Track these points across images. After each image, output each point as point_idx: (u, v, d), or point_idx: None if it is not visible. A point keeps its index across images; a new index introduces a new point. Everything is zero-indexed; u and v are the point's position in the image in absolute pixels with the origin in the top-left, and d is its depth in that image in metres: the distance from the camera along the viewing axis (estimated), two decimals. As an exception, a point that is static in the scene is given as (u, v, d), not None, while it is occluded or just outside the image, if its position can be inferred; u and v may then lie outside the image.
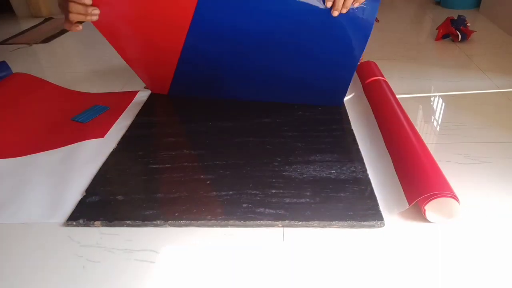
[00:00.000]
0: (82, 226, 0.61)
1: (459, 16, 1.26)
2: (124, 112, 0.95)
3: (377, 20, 1.10)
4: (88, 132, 0.86)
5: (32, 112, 0.94)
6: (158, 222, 0.60)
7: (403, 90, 0.94)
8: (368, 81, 0.92)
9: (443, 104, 0.90)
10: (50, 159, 0.78)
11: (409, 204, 0.55)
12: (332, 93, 0.66)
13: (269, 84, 0.66)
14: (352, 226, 0.57)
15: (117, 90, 1.07)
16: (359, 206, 0.59)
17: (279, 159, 0.72)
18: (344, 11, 0.63)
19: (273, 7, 0.63)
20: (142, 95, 1.03)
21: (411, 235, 0.55)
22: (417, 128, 0.73)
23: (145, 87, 1.09)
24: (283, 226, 0.58)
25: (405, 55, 1.19)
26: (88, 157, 0.78)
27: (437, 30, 1.28)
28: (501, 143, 0.73)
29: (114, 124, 0.89)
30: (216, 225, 0.59)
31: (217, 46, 0.65)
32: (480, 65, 1.07)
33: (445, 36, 1.28)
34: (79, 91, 1.08)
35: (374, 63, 1.01)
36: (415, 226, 0.56)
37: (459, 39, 1.23)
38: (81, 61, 1.41)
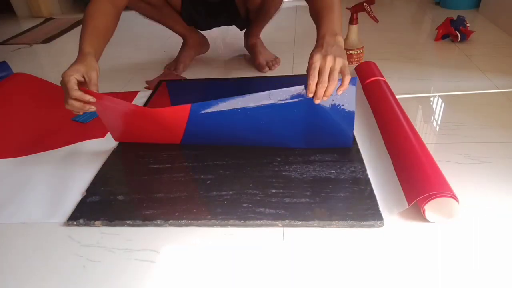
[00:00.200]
0: (82, 226, 0.61)
1: (458, 16, 1.26)
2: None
3: (376, 21, 1.10)
4: (89, 132, 0.87)
5: (33, 112, 0.94)
6: (159, 222, 0.60)
7: (403, 90, 0.94)
8: (368, 81, 0.92)
9: (443, 104, 0.90)
10: (51, 159, 0.78)
11: (409, 204, 0.56)
12: (337, 141, 0.71)
13: (273, 140, 0.72)
14: (351, 226, 0.57)
15: (117, 91, 1.07)
16: (358, 206, 0.59)
17: (279, 159, 0.72)
18: (325, 99, 0.62)
19: (257, 113, 0.68)
20: (143, 95, 1.03)
21: (411, 235, 0.55)
22: (417, 128, 0.73)
23: (145, 87, 1.09)
24: (283, 226, 0.58)
25: (404, 55, 1.19)
26: (88, 157, 0.78)
27: (437, 31, 1.29)
28: (501, 143, 0.73)
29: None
30: (216, 225, 0.59)
31: (214, 133, 0.72)
32: (480, 65, 1.07)
33: (444, 37, 1.28)
34: (80, 91, 1.08)
35: (374, 63, 1.01)
36: (415, 226, 0.56)
37: (459, 39, 1.23)
38: (82, 62, 1.41)
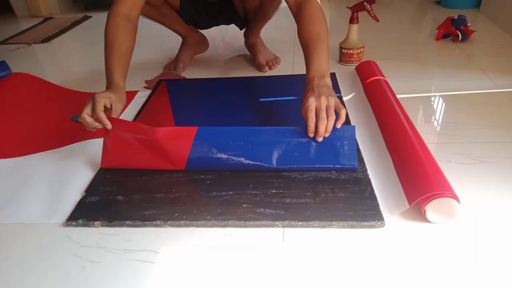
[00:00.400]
0: (81, 226, 0.61)
1: (459, 16, 1.26)
2: (123, 112, 0.94)
3: (377, 20, 1.09)
4: (88, 132, 0.86)
5: (32, 112, 0.93)
6: (158, 222, 0.59)
7: (404, 90, 0.94)
8: (368, 81, 0.92)
9: (444, 104, 0.90)
10: (50, 159, 0.78)
11: (410, 204, 0.55)
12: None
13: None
14: (352, 226, 0.56)
15: (117, 90, 1.07)
16: (359, 206, 0.59)
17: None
18: (327, 135, 0.65)
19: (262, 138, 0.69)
20: (142, 95, 1.03)
21: (412, 235, 0.55)
22: (418, 128, 0.73)
23: (145, 87, 1.09)
24: (283, 226, 0.58)
25: (405, 55, 1.19)
26: (88, 157, 0.78)
27: (438, 30, 1.28)
28: (502, 143, 0.73)
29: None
30: (216, 225, 0.59)
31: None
32: (481, 65, 1.07)
33: (445, 36, 1.28)
34: (79, 91, 1.08)
35: (375, 63, 1.01)
36: (416, 226, 0.56)
37: (460, 39, 1.23)
38: (81, 61, 1.41)
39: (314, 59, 0.72)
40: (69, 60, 1.46)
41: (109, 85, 0.73)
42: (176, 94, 1.02)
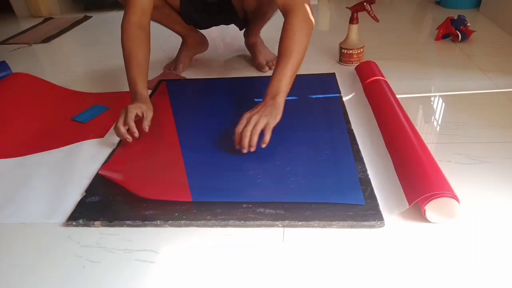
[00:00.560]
0: (82, 226, 0.61)
1: (459, 16, 1.26)
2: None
3: (377, 20, 1.09)
4: (88, 132, 0.86)
5: (32, 112, 0.94)
6: (158, 222, 0.60)
7: (403, 90, 0.94)
8: (368, 81, 0.92)
9: (443, 104, 0.90)
10: (50, 159, 0.78)
11: (409, 204, 0.55)
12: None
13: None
14: (352, 226, 0.57)
15: (117, 90, 1.07)
16: (359, 206, 0.59)
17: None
18: (252, 149, 0.70)
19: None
20: (142, 95, 1.03)
21: (411, 235, 0.55)
22: (417, 128, 0.73)
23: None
24: (283, 226, 0.58)
25: (405, 55, 1.19)
26: (88, 157, 0.78)
27: (437, 30, 1.28)
28: (501, 143, 0.73)
29: (114, 124, 0.89)
30: (216, 225, 0.59)
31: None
32: (480, 65, 1.07)
33: (445, 36, 1.28)
34: (79, 91, 1.08)
35: (374, 63, 1.01)
36: (415, 226, 0.56)
37: (459, 39, 1.23)
38: (81, 61, 1.41)
39: (276, 77, 0.76)
40: (69, 60, 1.46)
41: (136, 96, 0.81)
42: (176, 94, 1.02)
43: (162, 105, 0.97)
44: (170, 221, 0.59)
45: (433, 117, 0.85)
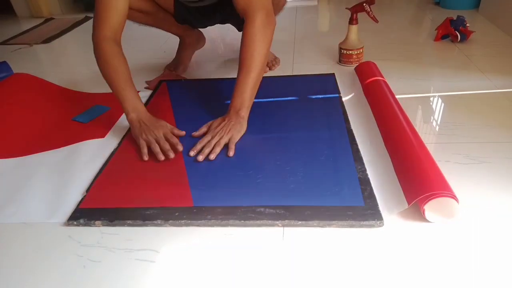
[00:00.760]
0: (82, 225, 0.61)
1: (458, 16, 1.26)
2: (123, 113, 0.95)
3: (376, 21, 1.10)
4: (89, 132, 0.87)
5: (33, 112, 0.94)
6: (159, 221, 0.60)
7: (403, 90, 0.95)
8: (367, 81, 0.92)
9: (442, 104, 0.90)
10: (51, 159, 0.78)
11: (409, 203, 0.56)
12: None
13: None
14: (351, 226, 0.57)
15: (117, 91, 1.07)
16: (358, 206, 0.59)
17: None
18: (211, 157, 0.72)
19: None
20: (143, 96, 1.03)
21: (411, 235, 0.55)
22: (417, 128, 0.73)
23: (145, 88, 1.09)
24: (283, 225, 0.58)
25: (404, 56, 1.19)
26: (88, 157, 0.78)
27: (436, 31, 1.29)
28: (501, 143, 0.73)
29: (115, 124, 0.90)
30: (216, 225, 0.59)
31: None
32: (479, 66, 1.07)
33: (444, 37, 1.28)
34: (80, 91, 1.08)
35: (374, 63, 1.01)
36: (415, 226, 0.57)
37: (458, 39, 1.23)
38: (82, 61, 1.41)
39: (238, 90, 0.79)
40: (70, 60, 1.46)
41: (141, 114, 0.78)
42: (176, 95, 1.03)
43: (162, 105, 0.97)
44: (171, 221, 0.60)
45: (432, 117, 0.85)
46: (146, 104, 0.98)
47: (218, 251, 0.55)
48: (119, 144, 0.81)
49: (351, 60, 1.12)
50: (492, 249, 0.52)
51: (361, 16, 1.08)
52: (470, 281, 0.48)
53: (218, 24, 1.16)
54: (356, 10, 1.08)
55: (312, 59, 1.20)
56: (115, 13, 0.78)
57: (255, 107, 0.82)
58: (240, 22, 1.12)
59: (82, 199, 0.66)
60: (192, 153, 0.74)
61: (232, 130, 0.76)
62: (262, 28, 0.78)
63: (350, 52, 1.11)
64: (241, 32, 1.18)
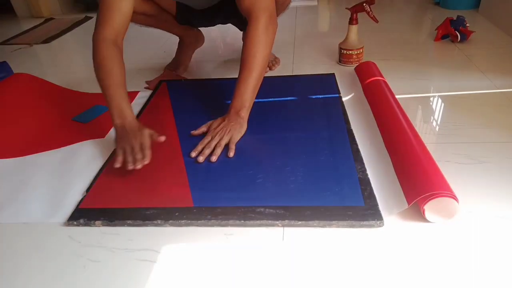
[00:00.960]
0: (82, 226, 0.61)
1: (458, 16, 1.26)
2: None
3: (376, 21, 1.10)
4: (89, 132, 0.87)
5: (33, 113, 0.94)
6: (159, 221, 0.60)
7: (403, 90, 0.95)
8: (367, 81, 0.92)
9: (442, 104, 0.90)
10: (51, 159, 0.78)
11: (409, 204, 0.56)
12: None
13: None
14: (351, 226, 0.57)
15: (117, 91, 1.07)
16: (358, 206, 0.59)
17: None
18: (213, 159, 0.72)
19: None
20: (143, 96, 1.03)
21: (410, 235, 0.55)
22: (417, 128, 0.73)
23: (145, 88, 1.09)
24: (283, 225, 0.58)
25: (404, 56, 1.19)
26: (89, 157, 0.78)
27: (436, 31, 1.29)
28: (500, 143, 0.73)
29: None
30: (216, 225, 0.59)
31: None
32: (479, 66, 1.07)
33: (444, 37, 1.28)
34: (80, 92, 1.08)
35: (374, 64, 1.01)
36: (414, 226, 0.57)
37: (458, 39, 1.23)
38: (82, 62, 1.41)
39: (238, 91, 0.79)
40: (70, 60, 1.46)
41: (125, 120, 0.74)
42: (176, 95, 1.03)
43: (162, 105, 0.97)
44: (171, 221, 0.60)
45: (432, 117, 0.85)
46: (146, 104, 0.98)
47: (218, 251, 0.55)
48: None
49: (351, 60, 1.13)
50: (492, 249, 0.52)
51: (361, 16, 1.08)
52: (470, 281, 0.48)
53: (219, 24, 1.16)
54: (356, 10, 1.08)
55: (312, 59, 1.20)
56: (118, 14, 0.77)
57: (255, 107, 0.82)
58: (241, 22, 1.12)
59: (82, 199, 0.66)
60: (193, 154, 0.74)
61: (232, 131, 0.76)
62: (265, 30, 0.78)
63: (350, 52, 1.11)
64: (241, 32, 1.19)
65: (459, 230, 0.55)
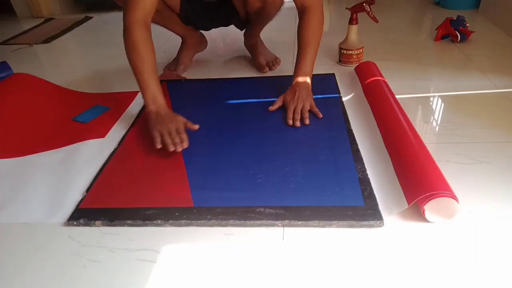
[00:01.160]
0: (82, 225, 0.61)
1: (458, 16, 1.26)
2: (124, 112, 0.95)
3: (376, 21, 1.10)
4: (89, 132, 0.87)
5: (33, 112, 0.94)
6: (159, 221, 0.60)
7: (403, 90, 0.95)
8: (367, 81, 0.92)
9: (442, 104, 0.90)
10: (51, 159, 0.78)
11: (409, 204, 0.56)
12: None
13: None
14: (351, 226, 0.57)
15: (117, 91, 1.07)
16: (358, 206, 0.59)
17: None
18: (307, 122, 0.82)
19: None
20: (143, 96, 1.03)
21: (410, 235, 0.55)
22: (417, 128, 0.73)
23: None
24: (283, 225, 0.58)
25: (404, 56, 1.19)
26: (89, 157, 0.78)
27: (436, 31, 1.29)
28: (500, 143, 0.73)
29: (115, 124, 0.90)
30: (216, 225, 0.59)
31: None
32: (479, 66, 1.07)
33: (444, 37, 1.28)
34: (80, 91, 1.08)
35: (374, 64, 1.01)
36: (415, 226, 0.57)
37: (458, 39, 1.23)
38: (82, 62, 1.41)
39: (302, 62, 0.88)
40: (70, 60, 1.46)
41: (159, 107, 0.79)
42: (176, 95, 1.03)
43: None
44: (171, 221, 0.60)
45: (432, 117, 0.85)
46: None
47: (218, 251, 0.55)
48: (119, 144, 0.81)
49: (351, 60, 1.13)
50: (492, 249, 0.52)
51: (361, 16, 1.08)
52: (470, 281, 0.48)
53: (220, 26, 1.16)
54: (356, 10, 1.08)
55: (312, 59, 1.20)
56: None
57: (255, 107, 0.82)
58: (242, 22, 1.12)
59: (82, 199, 0.66)
60: (290, 122, 0.81)
61: (307, 97, 0.85)
62: (320, 16, 0.90)
63: (350, 52, 1.11)
64: (242, 32, 1.19)
65: (459, 230, 0.55)
